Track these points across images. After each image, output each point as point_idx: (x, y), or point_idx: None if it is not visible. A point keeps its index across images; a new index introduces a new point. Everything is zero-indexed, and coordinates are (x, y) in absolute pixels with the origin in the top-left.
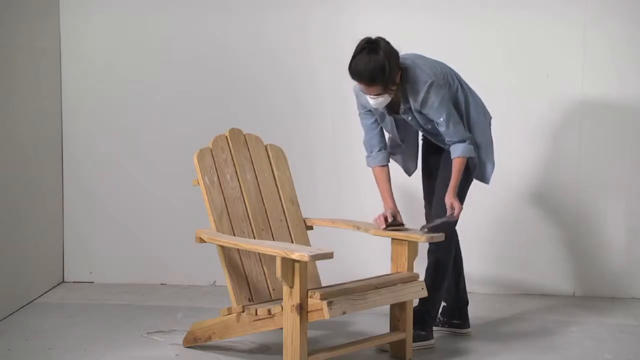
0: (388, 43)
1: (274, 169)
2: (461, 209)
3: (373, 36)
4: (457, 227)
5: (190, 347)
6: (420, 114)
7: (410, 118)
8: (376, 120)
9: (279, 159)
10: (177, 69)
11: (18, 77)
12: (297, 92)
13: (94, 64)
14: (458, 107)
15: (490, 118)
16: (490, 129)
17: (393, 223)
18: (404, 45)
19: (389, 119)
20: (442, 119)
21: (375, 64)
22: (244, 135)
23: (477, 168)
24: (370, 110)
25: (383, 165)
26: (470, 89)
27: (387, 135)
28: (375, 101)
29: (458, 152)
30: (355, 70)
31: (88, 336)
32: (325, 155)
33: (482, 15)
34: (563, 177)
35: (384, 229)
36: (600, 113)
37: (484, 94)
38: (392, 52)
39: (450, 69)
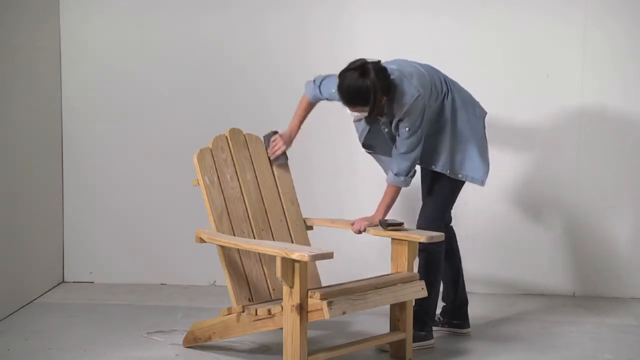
0: (379, 70)
1: (274, 169)
2: (359, 230)
3: (369, 59)
4: (456, 228)
5: (190, 347)
6: (397, 128)
7: (386, 130)
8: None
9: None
10: (177, 69)
11: (18, 77)
12: (297, 92)
13: (94, 64)
14: (443, 114)
15: (485, 114)
16: (483, 125)
17: (393, 223)
18: (404, 45)
19: (363, 124)
20: (407, 129)
21: (360, 89)
22: (244, 135)
23: (465, 171)
24: None
25: (313, 102)
26: (458, 87)
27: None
28: (355, 113)
29: (389, 180)
30: (339, 87)
31: (88, 336)
32: (325, 156)
33: (482, 15)
34: (563, 177)
35: (385, 228)
36: (600, 113)
37: (484, 93)
38: (380, 81)
39: (437, 71)
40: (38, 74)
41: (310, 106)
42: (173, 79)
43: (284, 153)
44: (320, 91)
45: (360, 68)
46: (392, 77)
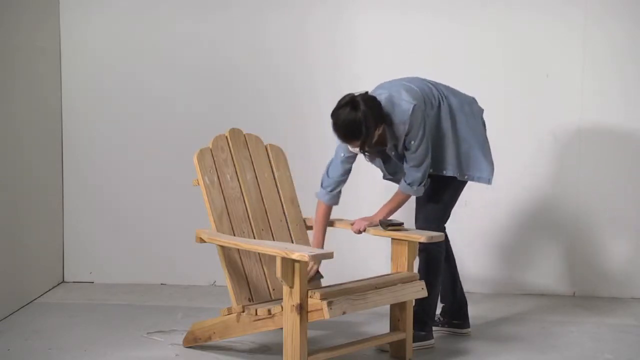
0: (368, 100)
1: (274, 169)
2: (359, 230)
3: (356, 93)
4: (457, 228)
5: (190, 347)
6: (404, 147)
7: (393, 153)
8: (351, 167)
9: (279, 159)
10: (177, 69)
11: (18, 77)
12: (297, 93)
13: (94, 64)
14: (442, 121)
15: (482, 111)
16: (482, 123)
17: (393, 223)
18: (404, 45)
19: (377, 160)
20: (413, 142)
21: (354, 121)
22: (244, 135)
23: (472, 172)
24: (354, 156)
25: (330, 205)
26: (451, 90)
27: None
28: (356, 150)
29: (402, 187)
30: (335, 125)
31: (88, 336)
32: (324, 156)
33: (482, 15)
34: (563, 177)
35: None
36: (600, 113)
37: (484, 94)
38: (371, 109)
39: (425, 82)
40: (38, 74)
41: (328, 212)
42: (173, 79)
43: (318, 271)
44: (329, 175)
45: (350, 102)
46: (382, 103)
